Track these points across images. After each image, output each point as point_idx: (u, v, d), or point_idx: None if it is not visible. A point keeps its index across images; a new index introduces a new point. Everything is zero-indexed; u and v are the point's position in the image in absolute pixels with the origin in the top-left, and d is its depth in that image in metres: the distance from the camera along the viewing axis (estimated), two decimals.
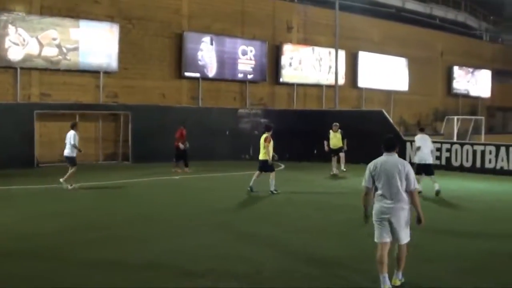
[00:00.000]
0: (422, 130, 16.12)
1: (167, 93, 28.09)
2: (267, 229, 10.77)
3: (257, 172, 15.66)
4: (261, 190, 15.43)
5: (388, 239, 7.08)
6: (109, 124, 25.43)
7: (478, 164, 23.13)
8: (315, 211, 12.94)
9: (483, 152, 23.06)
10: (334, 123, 20.93)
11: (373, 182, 7.15)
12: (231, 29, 30.61)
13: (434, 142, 24.84)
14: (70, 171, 16.26)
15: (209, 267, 7.95)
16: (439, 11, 45.03)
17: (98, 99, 25.62)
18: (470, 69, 46.54)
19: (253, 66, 31.31)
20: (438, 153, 24.22)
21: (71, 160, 16.24)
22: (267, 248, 9.15)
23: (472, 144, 24.43)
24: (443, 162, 24.06)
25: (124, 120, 25.19)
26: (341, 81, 34.76)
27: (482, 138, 35.91)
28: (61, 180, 16.08)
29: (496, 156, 22.61)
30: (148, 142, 24.16)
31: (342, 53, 34.70)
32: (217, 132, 26.24)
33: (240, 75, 30.91)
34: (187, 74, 28.56)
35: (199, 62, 28.97)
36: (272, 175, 15.57)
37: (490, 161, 22.66)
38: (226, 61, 30.16)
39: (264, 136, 15.78)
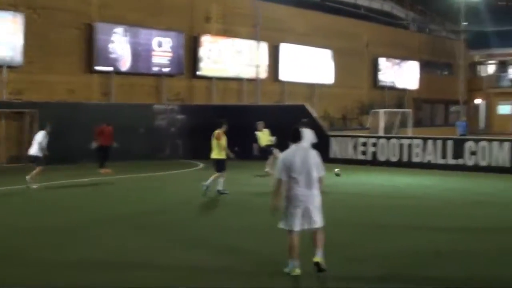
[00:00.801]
0: None
1: (76, 88, 28.24)
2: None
3: (216, 174, 15.82)
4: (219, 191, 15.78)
5: (300, 226, 7.97)
6: (13, 124, 25.27)
7: (405, 158, 24.55)
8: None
9: (410, 146, 24.45)
10: (258, 122, 21.24)
11: (287, 174, 7.95)
12: (146, 20, 30.94)
13: (360, 136, 26.95)
14: (35, 171, 17.05)
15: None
16: (364, 1, 46.71)
17: (1, 96, 25.62)
18: (397, 60, 48.43)
19: (169, 58, 31.85)
20: (364, 148, 25.75)
21: (35, 159, 17.03)
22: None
23: (398, 138, 25.77)
24: (369, 157, 25.53)
25: (30, 119, 25.10)
26: (263, 74, 35.73)
27: (409, 131, 37.59)
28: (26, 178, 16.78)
29: (424, 149, 23.85)
30: (57, 142, 23.96)
31: (263, 45, 35.58)
32: (131, 130, 26.21)
33: (156, 69, 31.33)
34: (98, 68, 28.81)
35: (111, 55, 29.29)
36: (220, 175, 15.88)
37: (417, 155, 24.09)
38: (140, 53, 30.59)
39: (215, 133, 15.89)
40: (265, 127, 21.24)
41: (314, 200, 8.04)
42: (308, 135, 8.09)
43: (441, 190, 17.78)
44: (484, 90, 54.44)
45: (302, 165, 7.97)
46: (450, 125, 47.47)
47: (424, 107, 52.28)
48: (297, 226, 8.00)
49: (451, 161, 23.44)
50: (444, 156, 23.60)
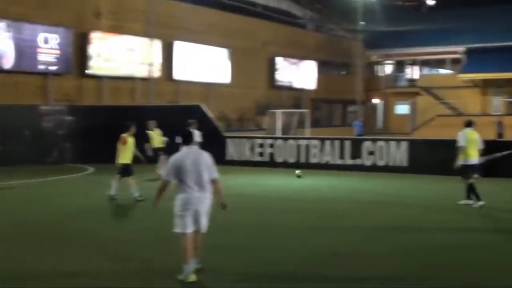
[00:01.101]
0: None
1: None
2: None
3: (116, 176, 15.62)
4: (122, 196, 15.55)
5: (192, 229, 8.21)
6: None
7: (303, 159, 25.10)
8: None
9: (307, 147, 25.01)
10: (151, 121, 21.01)
11: (176, 176, 8.20)
12: (31, 14, 30.11)
13: (257, 137, 27.32)
14: None
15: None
16: None
17: None
18: (294, 60, 49.33)
19: (56, 56, 31.20)
20: (261, 149, 26.19)
21: None
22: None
23: (296, 139, 26.34)
24: (266, 158, 25.97)
25: None
26: (156, 73, 35.58)
27: (307, 132, 38.41)
28: None
29: (321, 150, 24.40)
30: None
31: (157, 43, 35.50)
32: (15, 133, 25.41)
33: (42, 67, 30.66)
34: None
35: None
36: (131, 179, 15.69)
37: (315, 156, 24.65)
38: (25, 50, 29.82)
39: (121, 136, 15.74)
40: (157, 127, 21.15)
41: (204, 203, 8.26)
42: (195, 136, 8.33)
43: (340, 191, 18.20)
44: (381, 90, 55.99)
45: (193, 168, 8.15)
46: (348, 125, 47.59)
47: (321, 107, 53.25)
48: (187, 228, 8.19)
49: (349, 161, 24.05)
50: (342, 156, 24.20)
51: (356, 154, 23.93)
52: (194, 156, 8.27)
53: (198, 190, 8.20)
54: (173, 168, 8.23)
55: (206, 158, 8.35)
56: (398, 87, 56.84)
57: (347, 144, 24.20)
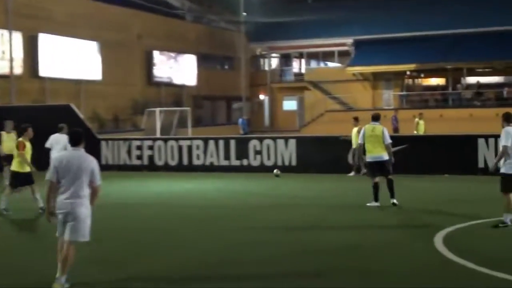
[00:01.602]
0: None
1: None
2: None
3: (7, 189, 15.25)
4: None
5: (60, 234, 8.35)
6: None
7: (185, 161, 24.89)
8: None
9: (190, 148, 24.80)
10: (8, 121, 19.97)
11: (56, 177, 8.27)
12: None
13: (134, 139, 26.64)
14: None
15: None
16: None
17: None
18: (173, 54, 48.53)
19: None
20: (139, 152, 25.64)
21: None
22: None
23: (177, 139, 26.07)
24: (146, 161, 25.52)
25: None
26: (18, 69, 34.07)
27: (189, 131, 38.23)
28: None
29: (205, 151, 24.42)
30: None
31: (17, 35, 34.05)
32: None
33: None
34: None
35: None
36: (12, 190, 15.22)
37: (198, 157, 24.55)
38: None
39: (17, 141, 15.22)
40: (14, 129, 19.28)
41: (77, 209, 8.27)
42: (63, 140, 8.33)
43: (226, 194, 18.28)
44: (267, 85, 56.09)
45: (71, 171, 8.27)
46: (233, 123, 48.72)
47: (204, 105, 52.90)
48: (60, 232, 8.38)
49: (235, 162, 24.13)
50: (227, 157, 24.23)
51: (242, 154, 23.93)
52: (76, 159, 8.38)
53: (71, 195, 8.27)
54: (54, 168, 8.34)
55: (90, 163, 8.44)
56: (285, 82, 56.89)
57: (232, 143, 24.27)
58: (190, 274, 9.23)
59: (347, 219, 13.57)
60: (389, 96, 50.60)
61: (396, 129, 31.99)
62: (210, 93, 52.56)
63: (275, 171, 18.17)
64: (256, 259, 9.98)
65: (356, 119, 20.75)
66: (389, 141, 14.62)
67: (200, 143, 24.68)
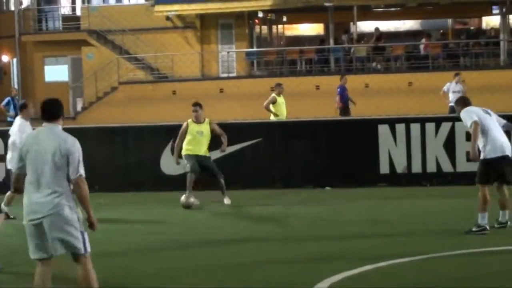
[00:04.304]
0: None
1: None
2: None
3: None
4: None
5: (42, 253, 7.61)
6: None
7: None
8: None
9: None
10: None
11: (23, 167, 7.71)
12: None
13: None
14: None
15: None
16: None
17: None
18: None
19: None
20: None
21: None
22: None
23: None
24: None
25: None
26: None
27: None
28: None
29: None
30: None
31: None
32: None
33: None
34: None
35: None
36: None
37: None
38: None
39: None
40: None
41: (56, 212, 7.42)
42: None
43: None
44: (16, 38, 41.11)
45: (39, 156, 7.39)
46: None
47: None
48: (38, 251, 7.54)
49: None
50: None
51: None
52: (45, 139, 7.42)
53: (41, 191, 7.39)
54: (20, 155, 7.71)
55: (67, 144, 7.38)
56: (47, 32, 42.55)
57: None
58: None
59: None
60: (229, 56, 39.04)
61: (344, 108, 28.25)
62: None
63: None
64: None
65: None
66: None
67: None
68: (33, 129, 12.68)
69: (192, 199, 15.15)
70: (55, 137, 7.29)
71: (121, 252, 11.51)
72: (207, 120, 16.00)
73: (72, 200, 7.36)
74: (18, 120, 16.50)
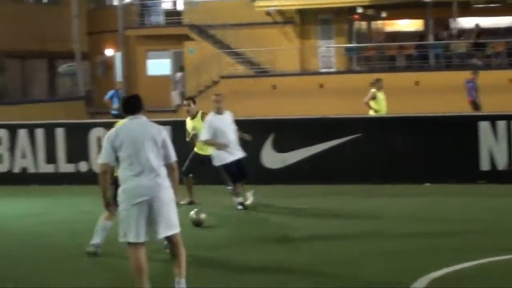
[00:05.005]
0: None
1: None
2: None
3: None
4: None
5: (144, 235, 8.09)
6: None
7: None
8: None
9: None
10: None
11: (116, 156, 8.26)
12: None
13: None
14: None
15: None
16: None
17: None
18: None
19: None
20: None
21: None
22: None
23: None
24: None
25: None
26: None
27: None
28: None
29: (12, 148, 20.86)
30: None
31: None
32: None
33: None
34: None
35: None
36: None
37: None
38: None
39: None
40: None
41: (160, 193, 8.22)
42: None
43: (52, 226, 14.23)
44: (119, 32, 42.44)
45: (136, 144, 8.20)
46: (61, 99, 41.41)
47: (9, 67, 41.54)
48: (139, 234, 8.18)
49: (66, 166, 20.25)
50: (52, 158, 19.98)
51: (79, 153, 19.93)
52: (138, 129, 8.20)
53: (145, 175, 8.12)
54: (109, 146, 8.33)
55: (158, 132, 8.30)
56: (150, 27, 44.24)
57: (60, 135, 19.68)
58: None
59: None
60: (329, 51, 40.05)
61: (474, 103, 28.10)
62: (19, 47, 40.75)
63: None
64: None
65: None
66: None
67: (2, 134, 20.50)
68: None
69: (203, 215, 13.35)
70: (148, 127, 8.03)
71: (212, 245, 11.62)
72: (199, 114, 15.12)
73: (168, 182, 8.09)
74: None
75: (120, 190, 8.14)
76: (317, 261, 10.28)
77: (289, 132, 19.45)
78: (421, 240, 11.97)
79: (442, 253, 10.58)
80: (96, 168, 14.99)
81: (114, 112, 29.97)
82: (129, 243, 7.97)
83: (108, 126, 17.34)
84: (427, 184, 17.78)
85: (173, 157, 8.23)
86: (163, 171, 8.07)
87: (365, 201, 16.25)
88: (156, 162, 8.04)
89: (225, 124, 14.40)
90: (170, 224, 8.03)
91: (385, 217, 14.34)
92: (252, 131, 18.50)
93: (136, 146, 7.98)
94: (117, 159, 8.10)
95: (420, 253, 10.90)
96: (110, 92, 31.43)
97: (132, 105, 8.20)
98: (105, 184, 8.20)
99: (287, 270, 9.85)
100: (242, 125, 18.05)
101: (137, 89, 39.44)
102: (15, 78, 42.74)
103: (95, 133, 19.62)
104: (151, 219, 7.96)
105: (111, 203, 8.37)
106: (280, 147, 18.81)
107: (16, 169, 19.92)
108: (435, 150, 18.26)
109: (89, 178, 17.10)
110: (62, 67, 45.22)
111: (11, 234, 13.90)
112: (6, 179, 19.65)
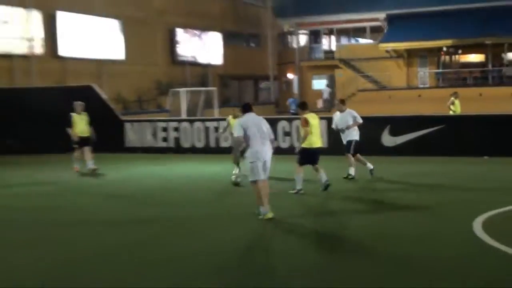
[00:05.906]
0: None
1: None
2: None
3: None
4: None
5: (263, 176, 11.65)
6: None
7: (212, 143, 24.63)
8: None
9: (217, 129, 24.26)
10: (78, 102, 19.93)
11: (244, 133, 11.59)
12: None
13: (159, 120, 26.57)
14: None
15: None
16: None
17: None
18: (197, 32, 48.15)
19: None
20: (165, 134, 25.57)
21: None
22: None
23: (203, 121, 25.85)
24: (172, 143, 25.44)
25: None
26: (38, 49, 34.16)
27: (216, 112, 38.05)
28: None
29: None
30: None
31: (36, 14, 34.05)
32: None
33: None
34: None
35: None
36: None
37: (226, 139, 23.39)
38: None
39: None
40: (84, 111, 20.09)
41: (269, 154, 11.98)
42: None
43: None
44: (296, 63, 55.06)
45: (257, 126, 11.77)
46: (261, 104, 49.03)
47: (231, 85, 52.37)
48: (260, 175, 11.70)
49: None
50: None
51: None
52: (256, 119, 11.93)
53: (263, 144, 11.77)
54: (239, 127, 11.71)
55: (264, 121, 12.11)
56: (314, 60, 55.30)
57: None
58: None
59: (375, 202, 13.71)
60: (424, 74, 49.40)
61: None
62: (236, 72, 51.90)
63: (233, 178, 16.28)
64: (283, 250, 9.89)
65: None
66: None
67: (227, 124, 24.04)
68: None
69: (239, 179, 16.15)
70: (259, 118, 12.04)
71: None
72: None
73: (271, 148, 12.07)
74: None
75: (249, 151, 11.84)
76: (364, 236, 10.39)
77: (399, 124, 22.16)
78: (474, 192, 14.23)
79: (492, 202, 12.39)
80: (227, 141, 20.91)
81: (292, 111, 37.79)
82: (257, 180, 11.72)
83: (288, 120, 23.47)
84: (485, 157, 20.40)
85: (272, 135, 12.08)
86: (268, 143, 11.95)
87: (443, 166, 18.77)
88: (266, 137, 11.88)
89: (343, 117, 16.56)
90: (269, 171, 11.97)
91: (456, 177, 16.67)
92: (376, 123, 21.46)
93: (256, 127, 11.78)
94: (244, 135, 11.71)
95: (478, 202, 12.84)
96: (290, 99, 40.49)
97: (248, 107, 12.25)
98: (240, 147, 12.83)
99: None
100: (370, 120, 18.65)
101: (306, 98, 47.31)
102: (234, 91, 52.85)
103: (281, 124, 23.44)
104: (265, 168, 11.87)
105: (239, 161, 13.83)
106: (393, 133, 21.82)
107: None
108: (491, 136, 20.93)
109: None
110: (262, 84, 56.14)
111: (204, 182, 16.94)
112: (228, 152, 20.24)
